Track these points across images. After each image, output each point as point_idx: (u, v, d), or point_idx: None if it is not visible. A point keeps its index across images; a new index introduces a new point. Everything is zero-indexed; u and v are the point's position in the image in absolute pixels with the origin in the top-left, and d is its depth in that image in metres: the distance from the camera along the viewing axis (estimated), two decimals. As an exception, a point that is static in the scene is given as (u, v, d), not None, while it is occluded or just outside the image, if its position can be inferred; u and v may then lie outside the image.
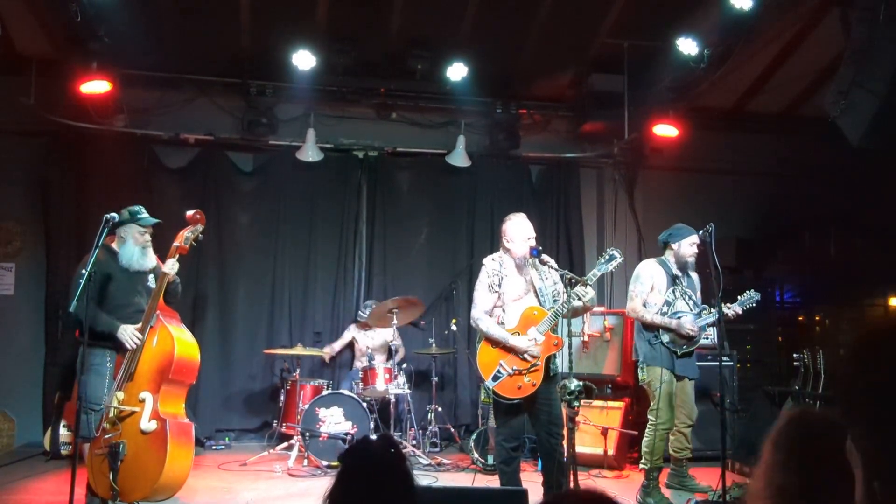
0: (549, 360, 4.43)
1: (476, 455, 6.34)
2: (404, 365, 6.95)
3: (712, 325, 5.32)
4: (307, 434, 6.10)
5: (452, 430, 7.28)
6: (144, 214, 4.70)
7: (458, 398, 7.87)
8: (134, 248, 4.63)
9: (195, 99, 7.73)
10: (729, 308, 5.15)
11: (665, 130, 7.47)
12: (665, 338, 5.16)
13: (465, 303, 7.49)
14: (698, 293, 5.46)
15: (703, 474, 5.54)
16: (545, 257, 4.49)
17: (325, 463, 6.06)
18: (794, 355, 5.93)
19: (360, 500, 1.72)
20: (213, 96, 7.78)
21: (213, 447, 7.20)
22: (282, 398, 6.72)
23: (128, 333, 4.49)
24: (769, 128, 8.47)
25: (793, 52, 7.48)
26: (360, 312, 7.47)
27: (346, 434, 6.02)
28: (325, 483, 1.95)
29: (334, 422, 6.14)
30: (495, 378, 4.41)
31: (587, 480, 5.70)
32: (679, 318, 5.17)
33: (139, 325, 4.54)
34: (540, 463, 5.02)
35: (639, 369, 5.27)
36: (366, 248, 8.13)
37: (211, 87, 7.75)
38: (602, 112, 7.72)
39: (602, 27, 7.35)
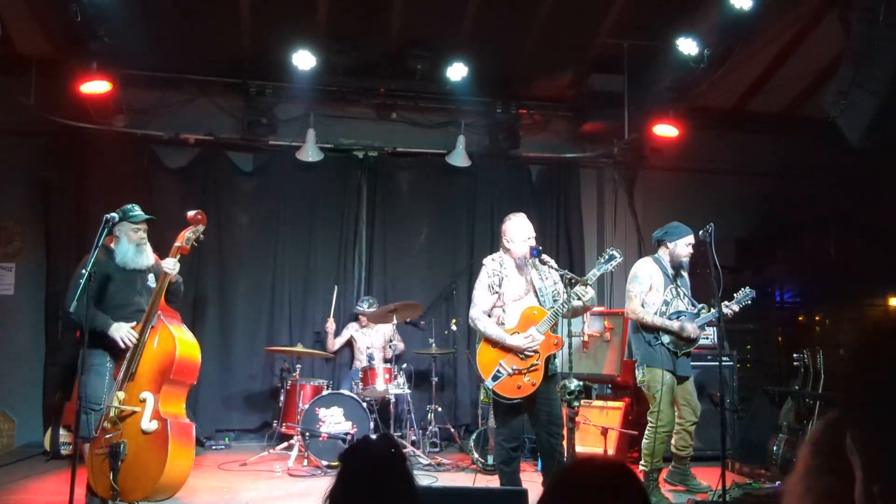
0: (549, 360, 4.43)
1: (476, 455, 6.34)
2: (404, 365, 6.95)
3: (711, 324, 5.32)
4: (307, 434, 6.10)
5: (452, 430, 7.28)
6: (137, 211, 4.69)
7: (458, 398, 7.87)
8: (128, 245, 4.63)
9: (195, 99, 7.73)
10: (727, 307, 5.15)
11: (665, 130, 7.47)
12: (665, 339, 5.13)
13: (465, 303, 7.47)
14: (689, 292, 5.45)
15: (703, 474, 5.54)
16: (545, 257, 4.49)
17: (325, 463, 6.06)
18: (794, 355, 5.92)
19: (361, 499, 1.72)
20: (213, 96, 7.78)
21: (214, 447, 7.21)
22: (282, 398, 6.72)
23: (122, 332, 4.46)
24: (769, 128, 8.47)
25: (793, 52, 7.48)
26: (357, 306, 7.47)
27: (346, 434, 6.02)
28: (325, 483, 1.96)
29: (334, 422, 6.14)
30: (495, 378, 4.41)
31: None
32: (679, 318, 5.16)
33: (135, 324, 4.54)
34: (540, 463, 5.03)
35: (637, 370, 5.22)
36: (366, 248, 8.13)
37: (211, 87, 7.75)
38: (602, 112, 7.72)
39: (602, 27, 7.35)
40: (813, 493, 1.24)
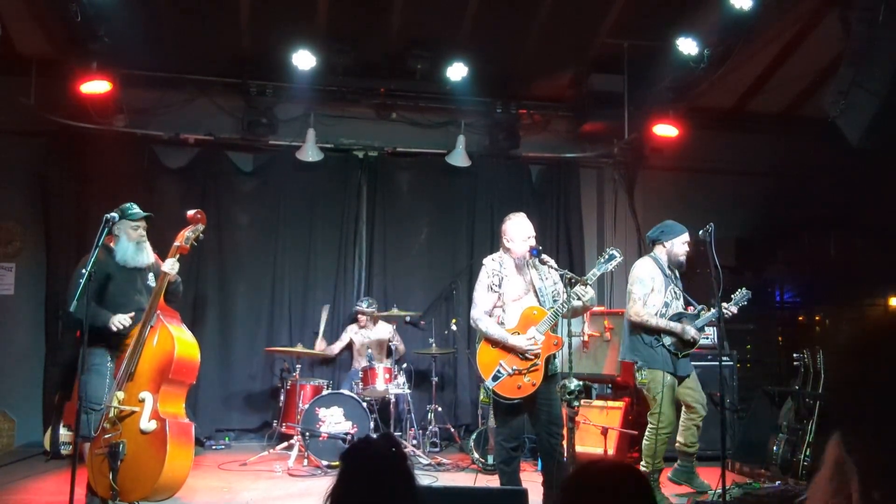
0: (549, 360, 4.42)
1: (476, 455, 6.34)
2: (404, 365, 6.95)
3: (711, 324, 5.30)
4: (307, 434, 6.10)
5: (452, 429, 7.28)
6: (135, 209, 4.70)
7: (458, 398, 7.87)
8: (128, 243, 4.63)
9: (195, 99, 7.73)
10: (725, 308, 5.13)
11: (665, 130, 7.47)
12: (667, 340, 5.10)
13: (465, 303, 7.49)
14: (682, 293, 5.43)
15: (704, 474, 5.52)
16: (545, 257, 4.48)
17: (325, 463, 6.06)
18: (794, 355, 5.92)
19: (362, 499, 1.72)
20: (213, 96, 7.78)
21: (213, 447, 7.21)
22: (282, 398, 6.72)
23: (116, 318, 4.47)
24: (769, 128, 8.46)
25: (793, 52, 7.49)
26: (357, 305, 7.48)
27: (346, 434, 6.02)
28: (325, 483, 1.96)
29: (334, 422, 6.14)
30: (495, 378, 4.41)
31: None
32: (680, 320, 5.14)
33: (132, 314, 4.54)
34: (540, 463, 5.02)
35: (637, 371, 5.15)
36: (366, 248, 8.13)
37: (211, 87, 7.75)
38: (602, 112, 7.72)
39: (602, 27, 7.36)
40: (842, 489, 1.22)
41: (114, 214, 4.45)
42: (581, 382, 4.04)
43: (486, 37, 7.41)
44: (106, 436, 4.33)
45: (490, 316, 4.52)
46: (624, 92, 7.52)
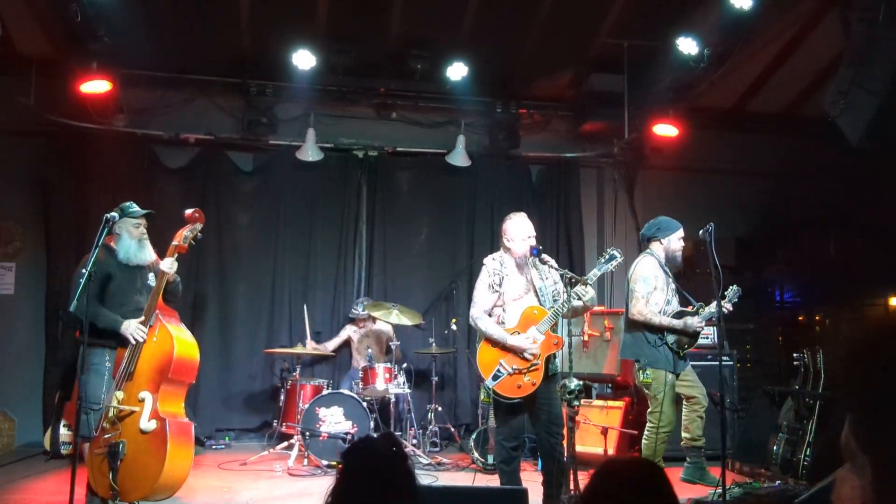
0: (549, 360, 4.42)
1: (476, 454, 6.34)
2: (404, 364, 6.95)
3: (710, 323, 5.30)
4: (307, 434, 6.10)
5: (452, 429, 7.28)
6: (135, 207, 4.70)
7: (458, 398, 7.87)
8: (130, 241, 4.63)
9: (195, 99, 7.73)
10: (724, 305, 5.13)
11: (665, 130, 7.47)
12: (670, 339, 5.09)
13: (465, 303, 7.47)
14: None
15: (704, 473, 5.54)
16: (545, 257, 4.48)
17: (325, 462, 6.06)
18: (794, 355, 5.92)
19: (363, 498, 1.72)
20: (213, 96, 7.78)
21: (213, 447, 7.21)
22: (282, 398, 6.72)
23: (132, 328, 4.47)
24: (769, 128, 8.47)
25: (793, 52, 7.49)
26: (353, 309, 7.47)
27: (346, 434, 6.02)
28: (325, 483, 1.95)
29: (334, 421, 6.14)
30: (495, 377, 4.41)
31: (587, 480, 5.68)
32: (681, 318, 5.14)
33: (142, 319, 4.54)
34: (540, 462, 5.02)
35: (640, 371, 5.13)
36: (366, 248, 8.13)
37: (211, 87, 7.75)
38: (602, 112, 7.72)
39: (602, 27, 7.36)
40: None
41: (114, 214, 4.46)
42: (581, 382, 4.04)
43: (486, 37, 7.41)
44: (106, 436, 4.33)
45: (490, 315, 4.52)
46: (624, 92, 7.52)
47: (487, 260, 4.63)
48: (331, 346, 7.48)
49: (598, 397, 6.82)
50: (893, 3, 4.77)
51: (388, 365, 6.63)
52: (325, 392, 6.44)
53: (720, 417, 4.67)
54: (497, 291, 4.51)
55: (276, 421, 6.86)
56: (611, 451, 6.11)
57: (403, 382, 6.61)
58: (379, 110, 8.11)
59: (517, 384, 4.38)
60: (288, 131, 7.87)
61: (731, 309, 5.21)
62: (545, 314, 4.39)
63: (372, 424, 6.23)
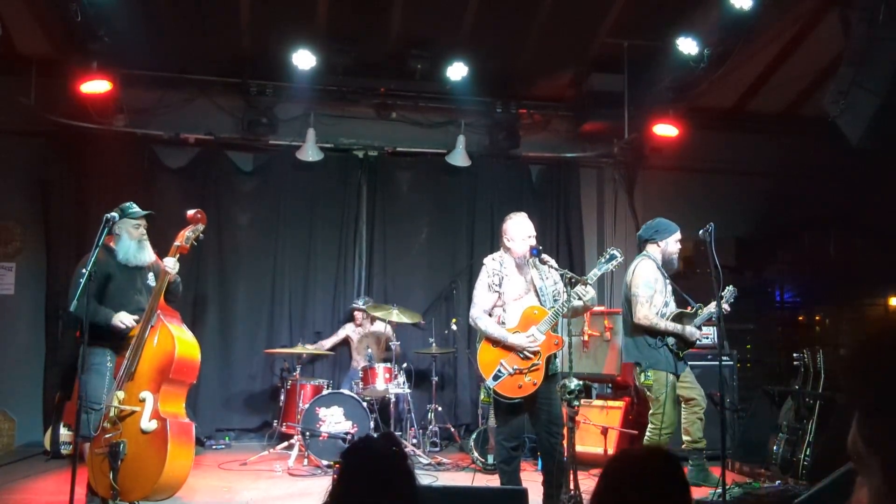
0: (550, 360, 4.42)
1: (476, 454, 6.34)
2: (404, 364, 6.96)
3: (709, 324, 5.29)
4: (307, 433, 6.10)
5: (452, 429, 7.28)
6: (135, 208, 4.71)
7: (458, 398, 7.87)
8: (130, 242, 4.64)
9: (195, 99, 7.73)
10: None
11: (665, 130, 7.47)
12: (670, 340, 5.07)
13: (465, 303, 7.47)
14: None
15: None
16: (545, 257, 4.48)
17: (325, 462, 6.06)
18: (794, 355, 5.92)
19: (363, 497, 1.72)
20: (213, 96, 7.78)
21: (214, 447, 7.21)
22: (282, 398, 6.72)
23: (119, 317, 4.48)
24: (769, 128, 8.47)
25: (793, 52, 7.49)
26: (353, 303, 7.47)
27: (347, 433, 6.02)
28: (325, 482, 1.96)
29: (334, 421, 6.14)
30: (496, 377, 4.41)
31: (587, 480, 5.69)
32: (680, 319, 5.13)
33: (136, 317, 4.55)
34: (540, 462, 5.02)
35: (641, 373, 5.11)
36: (366, 248, 8.13)
37: (211, 87, 7.75)
38: (602, 112, 7.72)
39: (602, 27, 7.36)
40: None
41: (114, 214, 4.46)
42: (581, 382, 4.04)
43: (486, 37, 7.41)
44: (106, 435, 4.33)
45: (490, 315, 4.52)
46: (624, 92, 7.52)
47: (487, 260, 4.63)
48: (327, 344, 7.46)
49: (598, 397, 6.82)
50: (893, 3, 4.77)
51: (388, 365, 6.63)
52: (325, 392, 6.44)
53: (720, 417, 4.67)
54: (497, 291, 4.51)
55: (276, 421, 6.86)
56: (611, 451, 6.11)
57: (403, 382, 6.62)
58: (379, 110, 8.11)
59: (518, 384, 4.38)
60: (288, 131, 7.87)
61: (728, 310, 5.20)
62: (545, 314, 4.39)
63: (372, 424, 6.23)
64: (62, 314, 6.90)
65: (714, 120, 8.36)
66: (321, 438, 6.06)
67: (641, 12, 6.97)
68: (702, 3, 6.60)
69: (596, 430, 6.17)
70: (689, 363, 5.42)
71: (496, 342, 4.44)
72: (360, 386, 6.52)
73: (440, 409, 7.08)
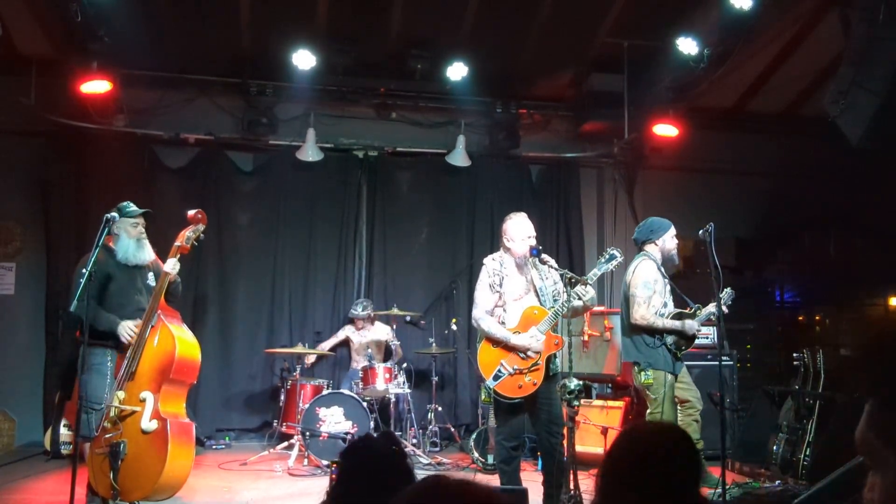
0: (550, 360, 4.43)
1: (476, 454, 6.34)
2: (404, 365, 6.96)
3: (708, 323, 5.29)
4: (307, 433, 6.10)
5: (452, 429, 7.28)
6: (132, 207, 4.71)
7: (458, 398, 7.87)
8: (129, 241, 4.64)
9: (195, 99, 7.73)
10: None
11: (665, 130, 7.47)
12: (669, 340, 5.08)
13: (466, 302, 7.50)
14: None
15: (704, 474, 5.53)
16: (545, 257, 4.48)
17: (325, 462, 6.06)
18: (794, 355, 5.92)
19: (362, 497, 1.72)
20: (213, 96, 7.78)
21: (214, 447, 7.21)
22: (282, 398, 6.72)
23: (125, 329, 4.49)
24: (769, 128, 8.47)
25: (793, 52, 7.49)
26: (352, 310, 7.47)
27: (347, 433, 6.02)
28: (325, 482, 1.96)
29: (334, 421, 6.14)
30: (496, 377, 4.41)
31: (587, 480, 5.69)
32: (680, 319, 5.13)
33: (138, 322, 4.55)
34: (540, 462, 5.02)
35: (640, 373, 5.10)
36: (366, 247, 8.13)
37: (211, 87, 7.75)
38: (602, 112, 7.73)
39: (602, 27, 7.36)
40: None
41: (113, 214, 4.46)
42: (581, 382, 4.04)
43: (486, 37, 7.41)
44: (107, 435, 4.33)
45: (491, 315, 4.52)
46: (624, 92, 7.52)
47: (487, 260, 4.64)
48: (327, 346, 7.46)
49: (598, 397, 6.82)
50: (893, 3, 4.78)
51: (389, 365, 6.64)
52: (325, 392, 6.44)
53: (720, 417, 4.66)
54: (497, 291, 4.51)
55: (276, 421, 6.86)
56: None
57: (403, 382, 6.62)
58: (379, 110, 8.11)
59: (518, 384, 4.38)
60: (288, 131, 7.87)
61: (726, 311, 5.20)
62: (545, 314, 4.39)
63: (372, 424, 6.23)
64: (62, 314, 6.90)
65: (714, 120, 8.36)
66: (321, 438, 6.06)
67: (641, 12, 6.97)
68: (702, 3, 6.60)
69: (596, 430, 6.17)
70: (689, 363, 5.43)
71: (497, 342, 4.44)
72: (360, 386, 6.53)
73: (440, 409, 7.08)
